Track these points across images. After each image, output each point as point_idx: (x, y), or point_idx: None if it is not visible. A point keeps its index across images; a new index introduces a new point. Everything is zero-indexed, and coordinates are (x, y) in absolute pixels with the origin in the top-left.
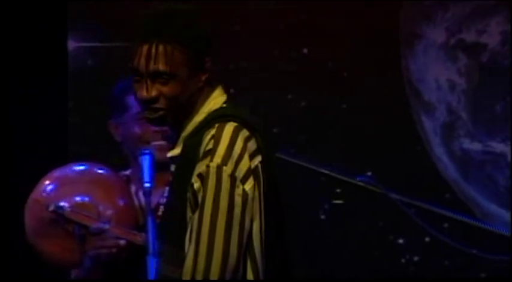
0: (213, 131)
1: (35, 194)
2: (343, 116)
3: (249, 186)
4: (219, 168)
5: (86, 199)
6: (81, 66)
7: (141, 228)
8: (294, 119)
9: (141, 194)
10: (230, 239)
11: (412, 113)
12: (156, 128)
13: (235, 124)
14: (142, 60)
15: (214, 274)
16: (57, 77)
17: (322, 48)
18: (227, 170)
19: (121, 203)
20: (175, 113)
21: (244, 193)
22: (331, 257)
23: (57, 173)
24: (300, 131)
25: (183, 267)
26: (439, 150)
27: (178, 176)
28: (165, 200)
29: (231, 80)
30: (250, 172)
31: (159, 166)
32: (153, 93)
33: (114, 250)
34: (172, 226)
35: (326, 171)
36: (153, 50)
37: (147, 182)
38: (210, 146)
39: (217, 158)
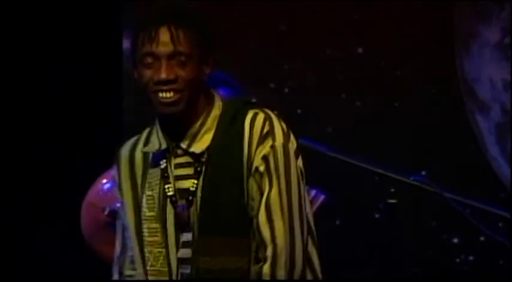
0: (261, 115)
1: (90, 197)
2: (397, 115)
3: (301, 161)
4: (285, 146)
5: None
6: None
7: None
8: (348, 118)
9: None
10: (303, 213)
11: (467, 112)
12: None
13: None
14: (162, 42)
15: (298, 249)
16: (112, 76)
17: (376, 48)
18: (292, 146)
19: None
20: (189, 97)
21: (301, 168)
22: (386, 256)
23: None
24: (354, 131)
25: (224, 256)
26: (493, 150)
27: (218, 167)
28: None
29: (286, 79)
30: (300, 148)
31: None
32: (172, 74)
33: None
34: (223, 217)
35: (380, 171)
36: (173, 32)
37: None
38: (267, 128)
39: (279, 138)
